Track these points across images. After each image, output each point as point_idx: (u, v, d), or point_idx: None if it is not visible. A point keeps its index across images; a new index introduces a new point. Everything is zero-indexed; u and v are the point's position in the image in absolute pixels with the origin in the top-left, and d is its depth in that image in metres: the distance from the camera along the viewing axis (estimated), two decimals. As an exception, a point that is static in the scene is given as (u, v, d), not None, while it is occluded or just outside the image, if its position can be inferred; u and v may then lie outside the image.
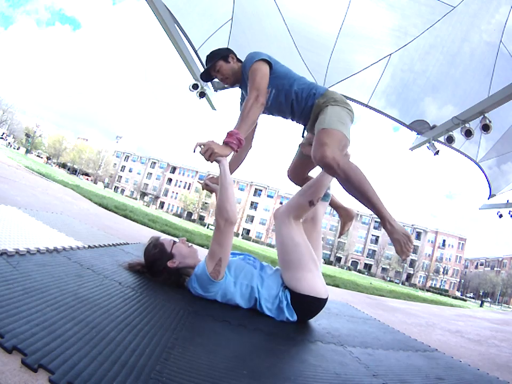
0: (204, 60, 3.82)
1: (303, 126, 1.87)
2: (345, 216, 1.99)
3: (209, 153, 1.38)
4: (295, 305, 1.46)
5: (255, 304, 1.47)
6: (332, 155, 1.40)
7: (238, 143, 1.45)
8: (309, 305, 1.48)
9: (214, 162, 1.43)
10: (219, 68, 1.79)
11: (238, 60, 1.85)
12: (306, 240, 1.55)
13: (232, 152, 1.46)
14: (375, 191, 1.45)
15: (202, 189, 1.91)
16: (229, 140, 1.43)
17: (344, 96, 1.88)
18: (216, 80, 1.92)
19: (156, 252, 1.51)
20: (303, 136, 1.96)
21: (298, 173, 2.10)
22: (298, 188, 2.20)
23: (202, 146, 1.40)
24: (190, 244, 1.59)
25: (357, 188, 1.43)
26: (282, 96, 1.72)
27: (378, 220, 1.47)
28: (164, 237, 1.61)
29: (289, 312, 1.46)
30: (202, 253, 1.58)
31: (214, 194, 1.99)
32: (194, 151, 1.41)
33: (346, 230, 2.03)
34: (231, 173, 2.05)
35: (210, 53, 1.85)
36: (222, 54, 1.80)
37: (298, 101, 1.71)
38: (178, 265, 1.49)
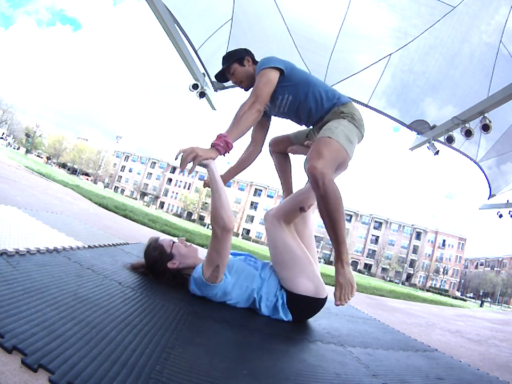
0: (204, 60, 3.85)
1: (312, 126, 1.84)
2: None
3: (192, 156, 1.25)
4: (290, 306, 1.45)
5: (253, 303, 1.47)
6: (322, 169, 1.37)
7: (225, 146, 1.35)
8: (305, 305, 1.48)
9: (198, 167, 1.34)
10: (233, 71, 1.73)
11: (254, 62, 1.76)
12: (299, 240, 1.54)
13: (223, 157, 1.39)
14: (345, 229, 1.45)
15: (204, 187, 1.88)
16: (216, 142, 1.34)
17: None
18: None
19: (156, 254, 1.49)
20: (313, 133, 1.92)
21: (282, 146, 2.05)
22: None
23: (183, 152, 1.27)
24: (189, 244, 1.58)
25: (330, 211, 1.40)
26: (300, 101, 1.68)
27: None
28: (163, 237, 1.60)
29: (284, 312, 1.45)
30: (203, 252, 1.57)
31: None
32: (176, 159, 1.29)
33: None
34: (238, 173, 2.02)
35: (226, 54, 1.79)
36: (238, 56, 1.73)
37: (318, 104, 1.67)
38: (179, 265, 1.48)
